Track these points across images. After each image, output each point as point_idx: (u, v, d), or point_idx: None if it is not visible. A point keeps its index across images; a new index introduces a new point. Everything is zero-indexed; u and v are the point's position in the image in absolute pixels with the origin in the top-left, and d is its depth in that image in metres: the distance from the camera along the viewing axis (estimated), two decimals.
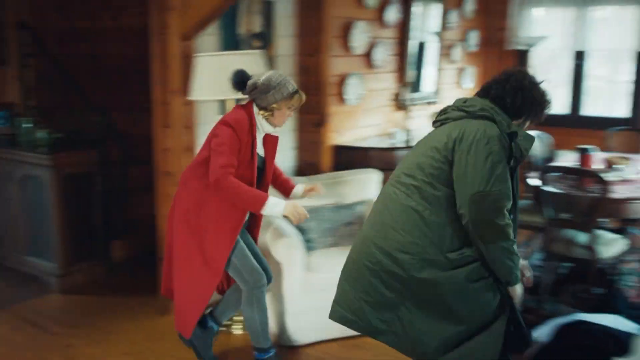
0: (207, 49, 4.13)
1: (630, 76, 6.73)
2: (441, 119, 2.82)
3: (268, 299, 4.04)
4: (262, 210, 3.21)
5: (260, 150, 3.41)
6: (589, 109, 7.08)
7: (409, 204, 2.66)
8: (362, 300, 2.74)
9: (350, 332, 4.02)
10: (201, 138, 4.18)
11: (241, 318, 4.17)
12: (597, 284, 4.42)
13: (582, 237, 4.33)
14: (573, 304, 4.41)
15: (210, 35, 4.19)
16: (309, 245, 4.14)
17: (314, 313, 3.93)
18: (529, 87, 2.79)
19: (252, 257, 3.42)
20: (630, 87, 6.75)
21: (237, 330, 4.15)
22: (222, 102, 4.22)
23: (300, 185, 3.66)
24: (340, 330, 4.02)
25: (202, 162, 3.30)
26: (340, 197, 4.46)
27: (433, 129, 2.88)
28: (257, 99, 3.28)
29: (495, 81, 2.80)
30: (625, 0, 6.52)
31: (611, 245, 4.37)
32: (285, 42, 4.81)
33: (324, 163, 4.99)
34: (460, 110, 2.74)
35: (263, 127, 3.35)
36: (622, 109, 6.87)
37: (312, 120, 4.98)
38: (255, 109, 3.30)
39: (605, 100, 7.21)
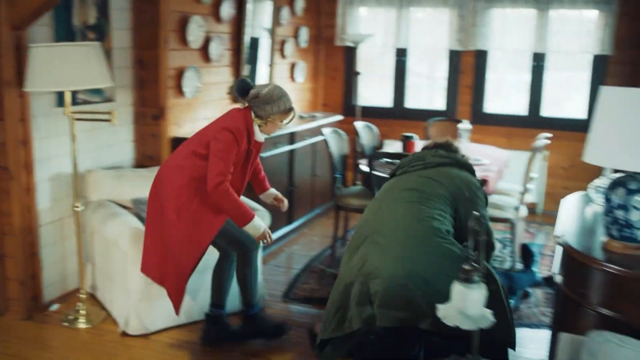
0: (40, 40, 4.03)
1: (445, 72, 7.41)
2: (420, 164, 3.44)
3: (116, 290, 4.07)
4: (245, 226, 3.50)
5: None
6: (411, 102, 7.68)
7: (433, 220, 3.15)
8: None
9: (196, 318, 4.16)
10: (37, 131, 4.10)
11: (85, 312, 4.15)
12: None
13: None
14: None
15: (43, 26, 4.09)
16: None
17: (162, 300, 4.00)
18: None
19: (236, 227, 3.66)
20: (444, 83, 7.42)
21: (82, 324, 4.11)
22: (60, 94, 4.16)
23: (273, 190, 4.02)
24: (189, 316, 4.14)
25: (190, 156, 3.55)
26: None
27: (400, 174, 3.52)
28: (256, 107, 3.57)
29: (439, 144, 3.65)
30: (440, 3, 7.15)
31: None
32: (121, 34, 4.79)
33: (164, 155, 5.03)
34: (444, 157, 3.44)
35: (256, 134, 3.62)
36: (439, 102, 7.54)
37: (151, 113, 5.00)
38: (252, 115, 3.57)
39: (425, 94, 7.86)
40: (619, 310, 2.47)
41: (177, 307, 3.65)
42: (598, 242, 2.77)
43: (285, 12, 6.77)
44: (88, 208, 4.36)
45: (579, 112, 7.00)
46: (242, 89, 3.62)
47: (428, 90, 7.87)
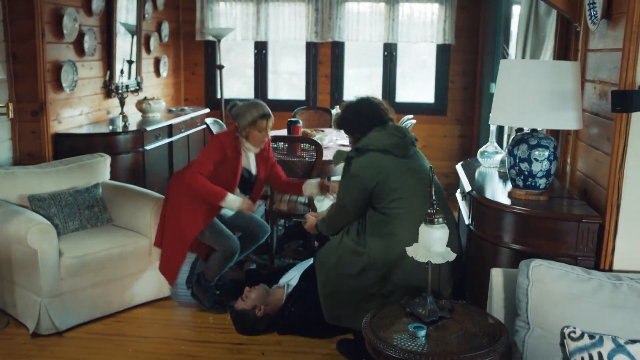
0: None
1: (304, 64, 7.75)
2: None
3: (19, 291, 3.92)
4: (222, 203, 3.96)
5: (253, 167, 4.22)
6: (277, 94, 7.96)
7: None
8: None
9: (111, 310, 4.13)
10: None
11: None
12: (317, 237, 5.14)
13: (302, 197, 5.01)
14: (295, 257, 5.08)
15: None
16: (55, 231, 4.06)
17: (72, 296, 3.92)
18: None
19: (226, 231, 4.12)
20: (304, 74, 7.77)
21: None
22: None
23: (311, 180, 4.34)
24: (102, 310, 4.09)
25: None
26: (76, 182, 4.46)
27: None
28: (237, 123, 4.02)
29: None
30: None
31: (322, 202, 5.13)
32: None
33: (46, 152, 4.86)
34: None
35: (245, 146, 4.07)
36: (300, 92, 7.87)
37: (30, 109, 4.80)
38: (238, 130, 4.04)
39: (287, 85, 8.16)
40: (529, 245, 2.90)
41: (173, 277, 4.18)
42: (499, 192, 3.22)
43: (148, 6, 6.73)
44: None
45: (427, 96, 7.66)
46: (230, 109, 4.14)
47: (289, 82, 8.17)
